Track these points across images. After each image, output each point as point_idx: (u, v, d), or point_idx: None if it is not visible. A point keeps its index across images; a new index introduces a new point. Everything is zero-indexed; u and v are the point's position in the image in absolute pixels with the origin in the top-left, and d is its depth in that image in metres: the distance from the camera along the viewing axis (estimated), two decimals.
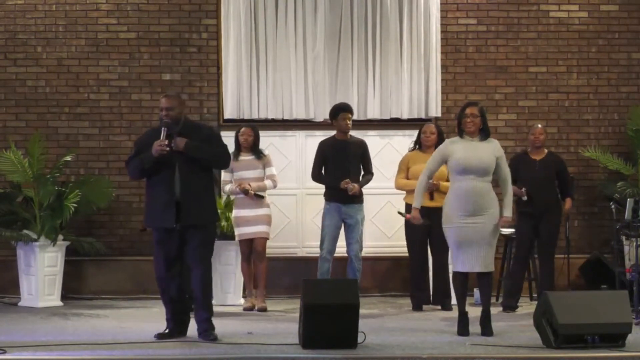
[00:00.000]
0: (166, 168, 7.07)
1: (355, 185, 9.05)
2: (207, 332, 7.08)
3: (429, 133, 9.27)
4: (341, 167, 9.15)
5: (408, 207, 9.22)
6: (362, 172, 9.29)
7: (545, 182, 9.04)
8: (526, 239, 9.05)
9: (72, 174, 10.39)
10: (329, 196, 9.22)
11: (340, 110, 9.26)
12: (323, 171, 9.29)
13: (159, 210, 7.10)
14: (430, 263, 9.34)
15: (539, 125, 9.37)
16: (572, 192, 9.40)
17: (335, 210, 9.15)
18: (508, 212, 7.42)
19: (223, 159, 7.37)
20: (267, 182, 9.24)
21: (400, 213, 9.24)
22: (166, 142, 7.02)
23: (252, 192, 9.07)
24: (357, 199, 9.18)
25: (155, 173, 7.12)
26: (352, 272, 9.14)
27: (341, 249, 9.31)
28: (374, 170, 9.81)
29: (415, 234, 9.10)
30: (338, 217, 9.16)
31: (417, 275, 9.23)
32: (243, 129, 9.28)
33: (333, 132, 9.47)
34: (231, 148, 9.24)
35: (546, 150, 9.33)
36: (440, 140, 9.22)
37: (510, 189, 7.50)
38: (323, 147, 9.32)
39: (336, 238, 9.18)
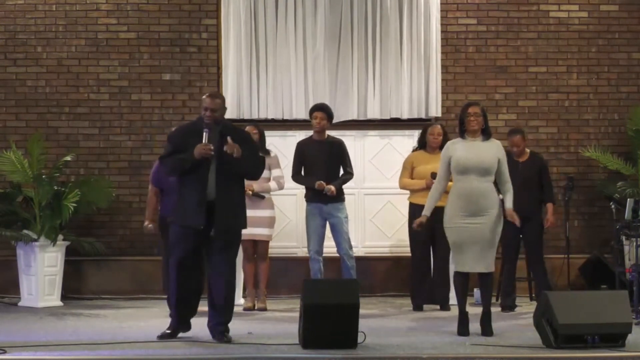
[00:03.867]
0: (201, 168, 6.93)
1: (331, 187, 9.03)
2: (222, 334, 7.04)
3: (436, 134, 9.25)
4: (319, 167, 9.15)
5: (412, 207, 9.22)
6: (342, 172, 9.27)
7: (527, 184, 9.00)
8: (512, 239, 9.02)
9: (72, 174, 10.39)
10: (309, 197, 9.23)
11: (313, 110, 9.34)
12: (303, 172, 9.28)
13: (190, 209, 6.94)
14: (432, 262, 9.34)
15: (518, 136, 9.21)
16: (552, 196, 9.34)
17: (317, 210, 9.15)
18: (510, 204, 7.44)
19: (259, 173, 7.30)
20: (272, 184, 9.24)
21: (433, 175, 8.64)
22: (211, 147, 6.87)
23: (251, 193, 9.07)
24: (338, 197, 9.17)
25: (189, 172, 6.98)
26: (347, 271, 9.14)
27: (333, 248, 9.30)
28: (374, 170, 9.87)
29: (419, 234, 9.07)
30: (320, 217, 9.16)
31: (418, 275, 9.22)
32: (247, 128, 9.28)
33: (332, 132, 9.49)
34: None
35: (528, 151, 9.31)
36: (446, 141, 9.23)
37: (511, 188, 7.50)
38: (300, 147, 9.34)
39: (322, 237, 9.19)
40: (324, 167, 9.16)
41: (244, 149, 6.99)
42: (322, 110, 9.27)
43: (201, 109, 7.12)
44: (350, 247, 9.25)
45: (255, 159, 7.19)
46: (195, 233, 6.98)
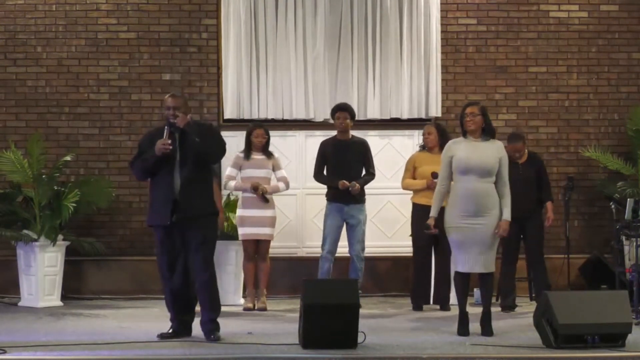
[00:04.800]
0: (166, 167, 7.09)
1: (355, 183, 9.05)
2: (210, 332, 7.08)
3: (427, 134, 9.34)
4: (341, 167, 9.19)
5: (415, 207, 9.24)
6: (363, 173, 9.30)
7: (527, 184, 9.02)
8: (513, 239, 9.03)
9: (72, 174, 10.39)
10: (330, 196, 9.25)
11: (336, 110, 9.38)
12: (325, 171, 9.31)
13: (158, 209, 7.12)
14: (433, 263, 9.33)
15: (519, 143, 9.14)
16: (551, 194, 9.34)
17: (337, 211, 9.18)
18: (508, 215, 7.40)
19: (218, 151, 7.27)
20: (281, 185, 9.28)
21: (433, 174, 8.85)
22: (169, 142, 7.01)
23: (261, 192, 9.09)
24: (359, 199, 9.20)
25: (156, 172, 7.14)
26: (355, 272, 9.17)
27: (343, 248, 9.31)
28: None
29: (421, 238, 9.10)
30: (340, 217, 9.18)
31: (420, 275, 9.22)
32: (257, 131, 9.28)
33: (332, 132, 9.51)
34: (241, 147, 9.34)
35: (526, 151, 9.31)
36: (441, 138, 9.25)
37: (509, 195, 7.47)
38: (324, 147, 9.37)
39: (337, 238, 9.21)
40: (346, 167, 9.18)
41: (205, 136, 7.11)
42: (344, 110, 9.31)
43: (164, 109, 7.24)
44: (363, 249, 9.26)
45: (215, 140, 7.22)
46: (173, 232, 7.07)
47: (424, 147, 9.44)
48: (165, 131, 7.06)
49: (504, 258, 9.23)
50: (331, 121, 9.57)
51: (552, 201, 9.35)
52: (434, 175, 8.99)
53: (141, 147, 7.29)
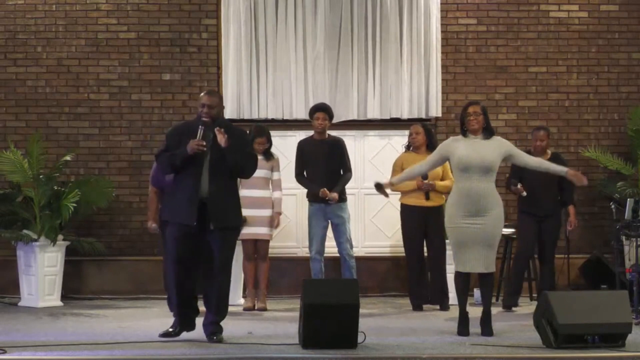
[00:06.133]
0: (194, 165, 6.97)
1: (334, 195, 9.08)
2: (213, 334, 7.03)
3: (414, 134, 9.35)
4: (319, 167, 9.22)
5: (404, 208, 9.26)
6: (341, 171, 9.30)
7: (547, 183, 9.03)
8: (529, 238, 9.04)
9: (72, 174, 10.39)
10: (312, 197, 9.30)
11: (313, 111, 9.40)
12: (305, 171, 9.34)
13: (182, 207, 6.96)
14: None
15: (542, 132, 9.19)
16: (573, 198, 9.31)
17: (320, 211, 9.21)
18: (563, 168, 7.56)
19: (250, 170, 7.28)
20: (277, 195, 9.26)
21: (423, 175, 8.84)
22: (204, 143, 6.91)
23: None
24: (340, 198, 9.22)
25: (182, 169, 7.01)
26: (348, 271, 9.18)
27: (334, 248, 9.32)
28: (374, 170, 9.86)
29: (411, 239, 9.12)
30: (323, 217, 9.22)
31: (415, 275, 9.24)
32: (259, 139, 9.24)
33: (334, 133, 9.51)
34: None
35: (550, 152, 9.30)
36: (428, 138, 9.27)
37: (541, 159, 7.55)
38: (301, 147, 9.40)
39: (324, 238, 9.24)
40: (324, 166, 9.21)
41: (237, 146, 7.01)
42: (323, 110, 9.32)
43: (198, 106, 7.15)
44: (352, 246, 9.30)
45: (245, 156, 7.16)
46: (190, 231, 6.97)
47: (409, 147, 9.44)
48: (200, 131, 6.95)
49: (518, 256, 9.19)
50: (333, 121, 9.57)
51: (574, 205, 9.30)
52: (424, 176, 9.02)
53: (168, 141, 7.16)
